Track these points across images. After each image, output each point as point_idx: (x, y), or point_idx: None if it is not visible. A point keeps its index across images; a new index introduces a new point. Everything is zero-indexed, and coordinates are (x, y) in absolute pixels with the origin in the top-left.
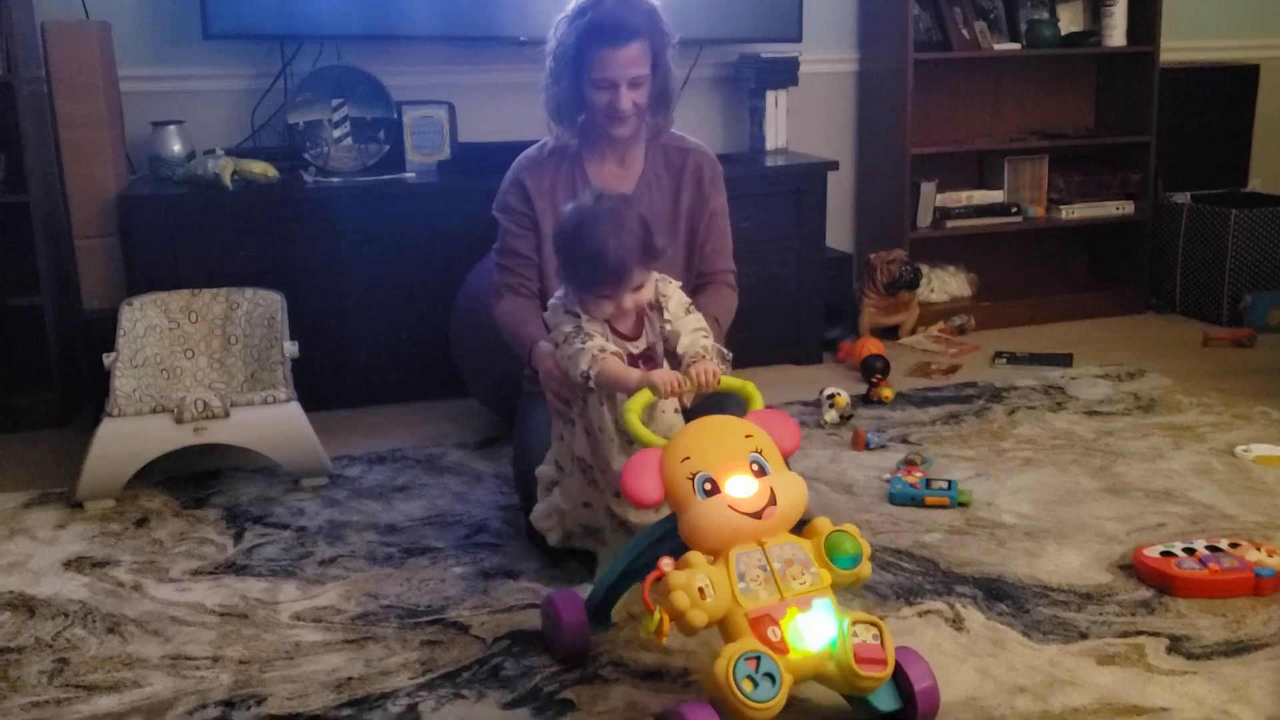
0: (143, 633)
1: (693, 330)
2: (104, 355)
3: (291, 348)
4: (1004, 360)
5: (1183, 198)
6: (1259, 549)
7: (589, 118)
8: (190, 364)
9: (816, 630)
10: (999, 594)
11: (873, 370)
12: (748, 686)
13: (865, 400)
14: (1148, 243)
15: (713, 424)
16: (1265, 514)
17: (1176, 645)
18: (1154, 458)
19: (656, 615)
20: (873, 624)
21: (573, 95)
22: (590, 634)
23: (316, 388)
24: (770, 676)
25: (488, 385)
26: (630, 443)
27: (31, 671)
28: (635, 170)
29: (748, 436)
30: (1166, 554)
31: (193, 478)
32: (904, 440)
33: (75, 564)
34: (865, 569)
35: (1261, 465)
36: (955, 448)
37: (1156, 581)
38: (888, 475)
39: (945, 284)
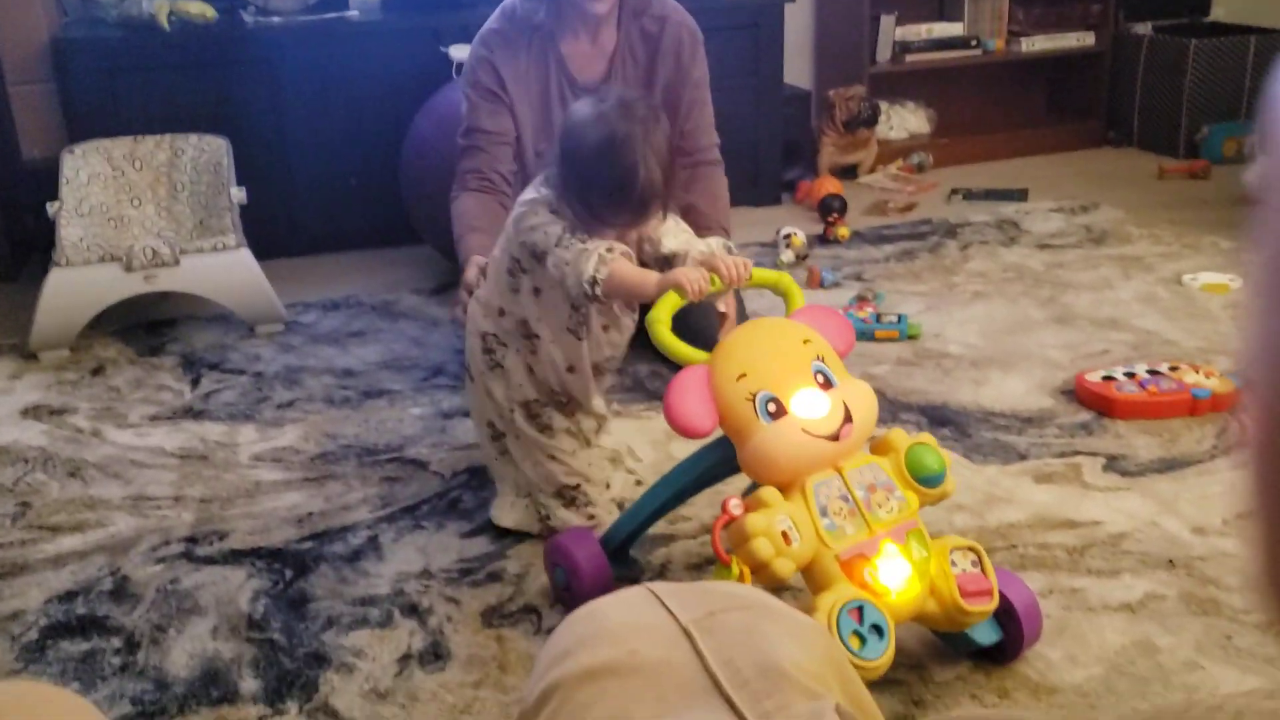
0: (103, 476)
1: (678, 231)
2: (48, 205)
3: (239, 194)
4: (960, 197)
5: (1144, 28)
6: (1197, 371)
7: None
8: (137, 212)
9: (916, 565)
10: (942, 420)
11: (830, 210)
12: (855, 644)
13: (822, 240)
14: (1106, 75)
15: (764, 330)
16: (1206, 339)
17: (1113, 464)
18: (1102, 288)
19: (735, 569)
20: (970, 549)
21: None
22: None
23: (266, 235)
24: (878, 629)
25: (440, 230)
26: (601, 375)
27: None
28: (608, 47)
29: (805, 342)
30: (1107, 378)
31: (147, 327)
32: (858, 278)
33: (33, 412)
34: (950, 484)
35: (1206, 293)
36: (908, 283)
37: (1097, 405)
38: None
39: (904, 121)
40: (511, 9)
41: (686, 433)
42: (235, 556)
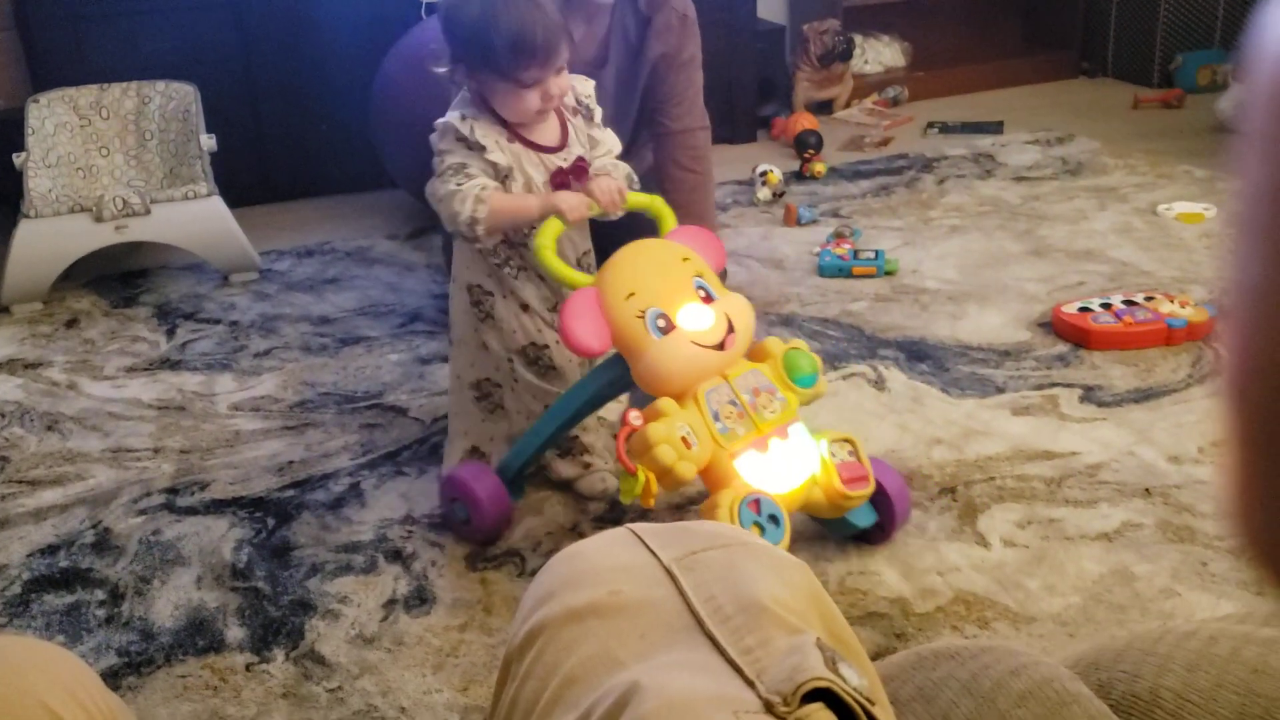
0: (81, 429)
1: (606, 152)
2: (14, 156)
3: (209, 141)
4: (936, 130)
5: None
6: (1173, 301)
7: None
8: (106, 162)
9: (801, 459)
10: (920, 355)
11: (805, 146)
12: (756, 533)
13: (798, 176)
14: (1081, 5)
15: (646, 251)
16: (1181, 268)
17: (1089, 395)
18: (1077, 219)
19: (641, 477)
20: (845, 440)
21: None
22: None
23: (237, 183)
24: (774, 518)
25: (412, 173)
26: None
27: None
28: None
29: (685, 260)
30: (1084, 310)
31: (120, 278)
32: (835, 214)
33: (7, 366)
34: (823, 385)
35: (1181, 222)
36: (885, 219)
37: (1073, 336)
38: (817, 249)
39: (879, 54)
40: None
41: (583, 352)
42: (217, 506)
